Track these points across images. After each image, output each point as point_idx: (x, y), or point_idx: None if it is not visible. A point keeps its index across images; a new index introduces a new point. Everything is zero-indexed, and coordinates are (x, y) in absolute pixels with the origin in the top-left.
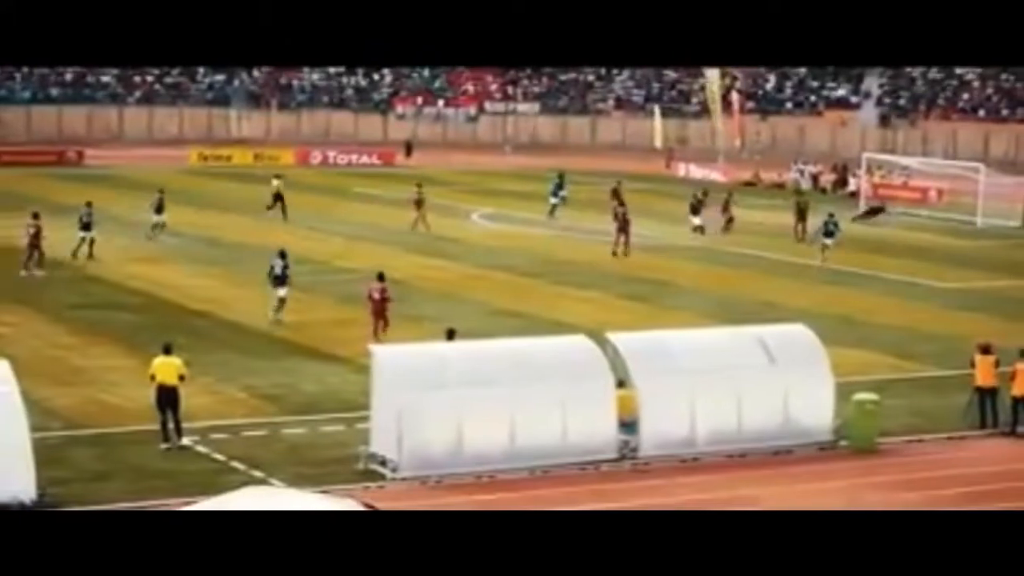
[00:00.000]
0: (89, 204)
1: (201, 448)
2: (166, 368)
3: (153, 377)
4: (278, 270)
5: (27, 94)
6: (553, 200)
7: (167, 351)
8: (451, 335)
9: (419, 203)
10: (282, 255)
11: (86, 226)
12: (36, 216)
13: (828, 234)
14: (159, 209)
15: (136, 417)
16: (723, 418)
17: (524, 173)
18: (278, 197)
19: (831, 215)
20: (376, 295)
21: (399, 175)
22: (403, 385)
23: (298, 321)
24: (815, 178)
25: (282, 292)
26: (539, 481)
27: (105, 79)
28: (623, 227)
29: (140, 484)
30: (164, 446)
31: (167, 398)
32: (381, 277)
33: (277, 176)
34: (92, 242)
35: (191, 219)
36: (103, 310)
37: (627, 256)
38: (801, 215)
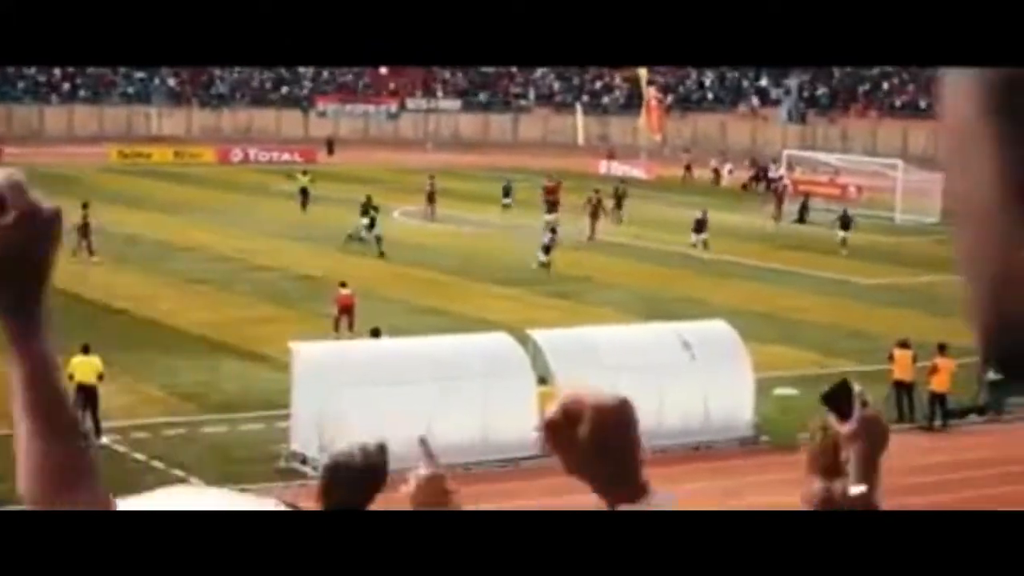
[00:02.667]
0: None
1: (120, 447)
2: (84, 367)
3: (71, 376)
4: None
5: None
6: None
7: (85, 350)
8: (376, 334)
9: (431, 196)
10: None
11: None
12: (85, 206)
13: (845, 226)
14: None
15: None
16: (644, 414)
17: (446, 170)
18: (304, 192)
19: (845, 210)
20: (348, 302)
21: (321, 172)
22: (323, 383)
23: (218, 319)
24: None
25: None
26: (459, 479)
27: (27, 74)
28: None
29: None
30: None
31: (85, 397)
32: (344, 285)
33: (304, 172)
34: None
35: (111, 217)
36: None
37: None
38: (779, 200)
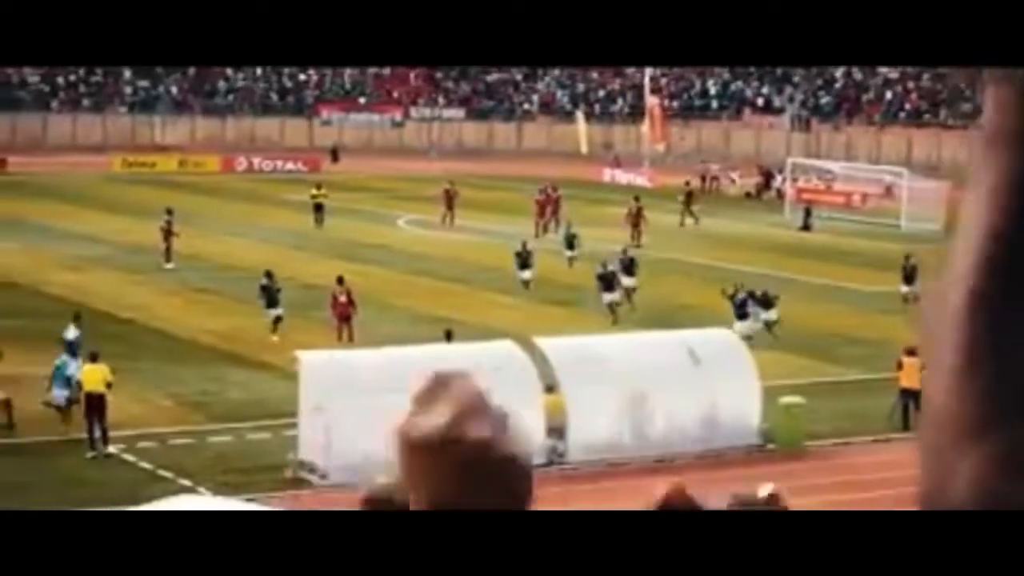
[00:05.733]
0: None
1: (128, 456)
2: (93, 375)
3: (79, 385)
4: (267, 289)
5: None
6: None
7: (94, 358)
8: (448, 336)
9: (450, 198)
10: (268, 275)
11: None
12: (170, 212)
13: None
14: None
15: (61, 427)
16: (651, 422)
17: (450, 179)
18: (319, 207)
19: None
20: (343, 299)
21: (325, 181)
22: (330, 392)
23: (224, 328)
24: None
25: (276, 312)
26: None
27: (31, 82)
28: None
29: (65, 494)
30: (91, 454)
31: (94, 406)
32: (341, 280)
33: (318, 186)
34: None
35: (115, 226)
36: (26, 318)
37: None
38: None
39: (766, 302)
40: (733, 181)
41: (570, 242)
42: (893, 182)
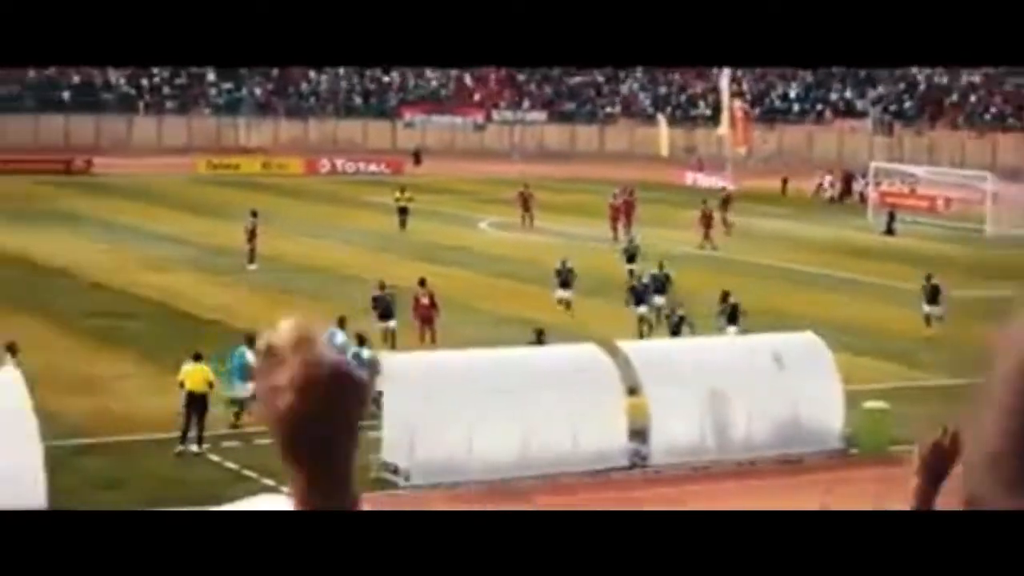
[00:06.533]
0: None
1: (213, 456)
2: (195, 375)
3: (182, 384)
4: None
5: (33, 102)
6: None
7: (197, 358)
8: (539, 336)
9: (526, 200)
10: (382, 286)
11: None
12: (254, 214)
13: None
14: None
15: (148, 426)
16: (734, 426)
17: (532, 181)
18: (403, 211)
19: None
20: (425, 301)
21: (407, 183)
22: (414, 393)
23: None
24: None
25: (390, 324)
26: (550, 489)
27: (114, 83)
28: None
29: (151, 492)
30: (180, 448)
31: (195, 405)
32: (423, 283)
33: (402, 189)
34: None
35: (199, 228)
36: (115, 319)
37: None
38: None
39: (660, 288)
40: (833, 185)
41: (631, 255)
42: (978, 186)
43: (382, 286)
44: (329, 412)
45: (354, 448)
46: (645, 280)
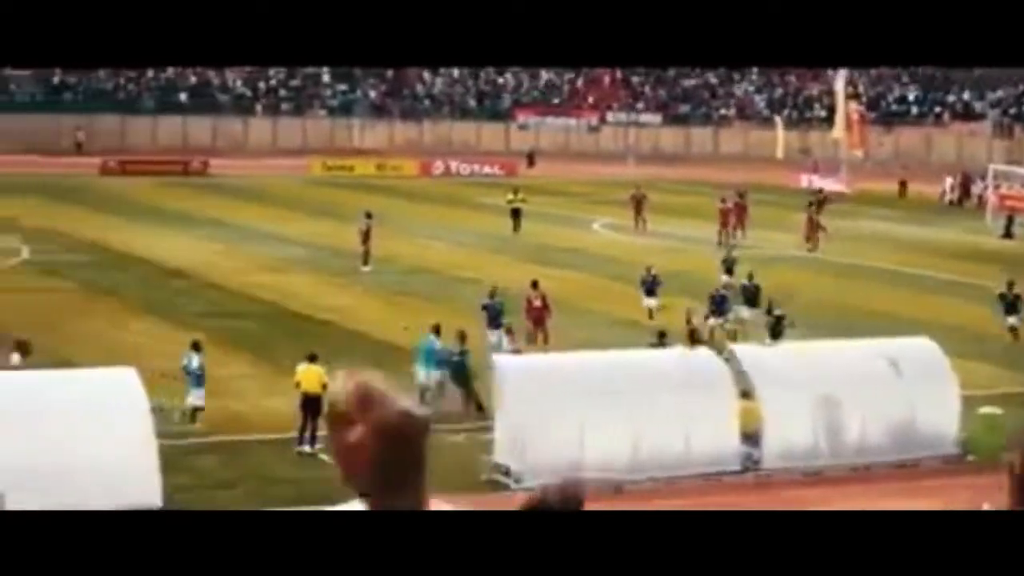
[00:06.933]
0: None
1: (325, 457)
2: (310, 376)
3: (298, 384)
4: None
5: (152, 103)
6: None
7: (312, 359)
8: (662, 338)
9: (639, 202)
10: (492, 294)
11: None
12: (369, 216)
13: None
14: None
15: (262, 425)
16: (847, 430)
17: (646, 183)
18: (516, 212)
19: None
20: (537, 303)
21: (521, 185)
22: (527, 395)
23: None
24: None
25: (497, 334)
26: (662, 491)
27: (230, 85)
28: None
29: (264, 492)
30: (299, 448)
31: (311, 406)
32: (535, 284)
33: (515, 191)
34: None
35: (314, 229)
36: (230, 319)
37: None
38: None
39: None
40: (954, 189)
41: (729, 266)
42: None
43: (492, 294)
44: (401, 456)
45: (423, 477)
46: (723, 291)
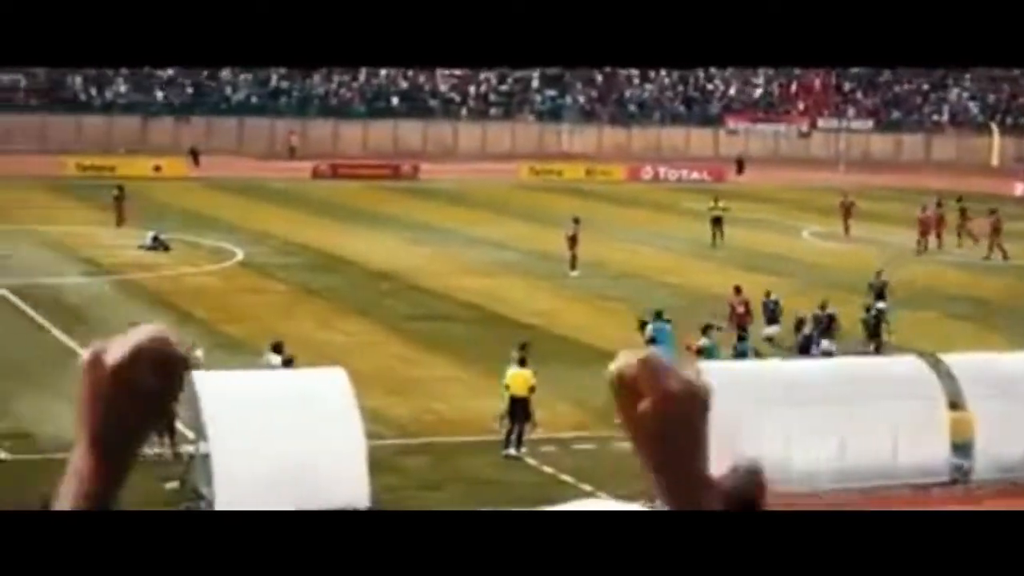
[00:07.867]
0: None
1: (530, 460)
2: (518, 379)
3: (507, 387)
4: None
5: (364, 108)
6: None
7: (522, 363)
8: (878, 348)
9: (847, 209)
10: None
11: None
12: (576, 221)
13: None
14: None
15: (469, 428)
16: None
17: (857, 190)
18: (717, 220)
19: None
20: (740, 308)
21: (729, 191)
22: (732, 401)
23: (627, 335)
24: None
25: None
26: (869, 501)
27: (440, 90)
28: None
29: (470, 494)
30: (505, 452)
31: (518, 409)
32: (738, 290)
33: (715, 199)
34: None
35: (522, 233)
36: (436, 321)
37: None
38: None
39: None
40: None
41: (879, 292)
42: None
43: (768, 293)
44: (687, 426)
45: (706, 449)
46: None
